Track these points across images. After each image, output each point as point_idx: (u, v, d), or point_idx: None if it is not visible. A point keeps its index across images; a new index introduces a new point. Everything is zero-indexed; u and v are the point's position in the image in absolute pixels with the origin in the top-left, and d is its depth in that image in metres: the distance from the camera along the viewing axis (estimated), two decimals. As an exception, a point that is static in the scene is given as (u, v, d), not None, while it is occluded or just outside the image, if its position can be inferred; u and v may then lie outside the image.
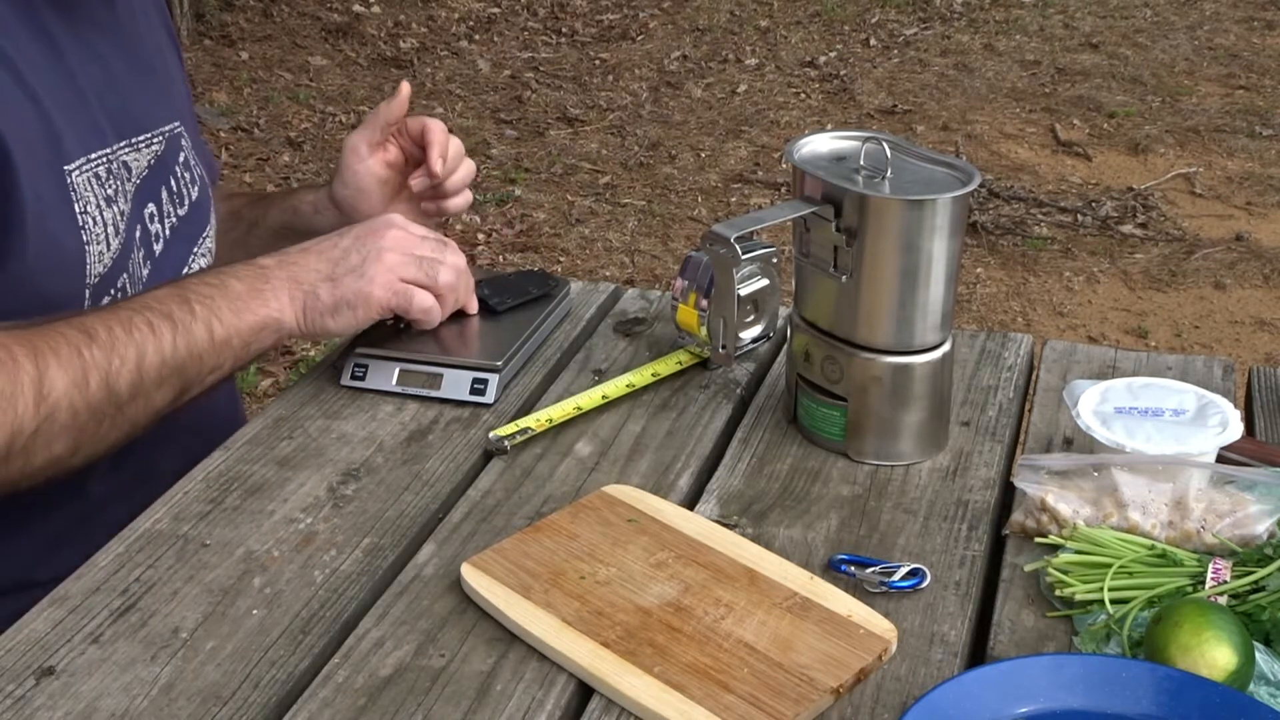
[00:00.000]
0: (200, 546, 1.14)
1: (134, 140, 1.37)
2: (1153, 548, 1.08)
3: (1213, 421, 1.19)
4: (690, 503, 1.22)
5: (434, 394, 1.36)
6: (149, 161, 1.39)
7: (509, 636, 1.04)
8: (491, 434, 1.29)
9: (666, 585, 1.07)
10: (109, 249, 1.29)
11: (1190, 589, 1.03)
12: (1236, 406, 1.23)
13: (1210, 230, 4.13)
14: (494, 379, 1.36)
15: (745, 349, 1.42)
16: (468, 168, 1.56)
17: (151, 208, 1.39)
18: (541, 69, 5.44)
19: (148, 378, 1.19)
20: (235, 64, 5.35)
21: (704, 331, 1.38)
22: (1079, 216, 4.20)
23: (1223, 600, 1.02)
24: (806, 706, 0.95)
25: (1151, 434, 1.18)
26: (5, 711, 0.96)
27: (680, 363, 1.42)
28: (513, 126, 4.83)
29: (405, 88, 1.54)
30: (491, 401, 1.36)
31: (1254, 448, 1.24)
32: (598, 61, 5.55)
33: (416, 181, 1.49)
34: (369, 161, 1.51)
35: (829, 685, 0.97)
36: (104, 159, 1.31)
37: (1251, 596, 1.02)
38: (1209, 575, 1.04)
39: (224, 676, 1.00)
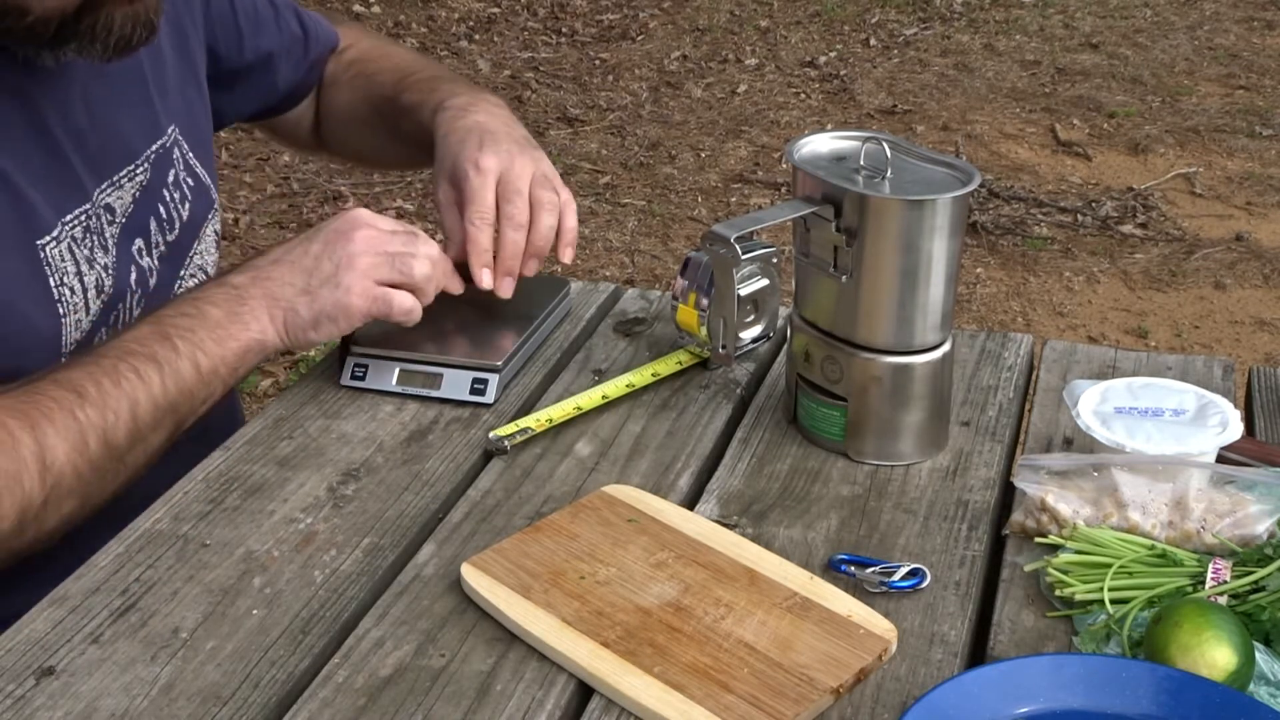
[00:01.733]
0: (200, 546, 1.14)
1: (116, 178, 1.32)
2: (1153, 548, 1.08)
3: (1213, 421, 1.19)
4: (690, 503, 1.22)
5: (434, 394, 1.36)
6: (134, 195, 1.34)
7: (509, 636, 1.04)
8: (491, 434, 1.29)
9: (666, 585, 1.07)
10: (88, 314, 1.27)
11: (1190, 589, 1.03)
12: (1236, 406, 1.23)
13: (1210, 230, 4.13)
14: (494, 379, 1.36)
15: (745, 349, 1.42)
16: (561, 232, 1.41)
17: (139, 242, 1.35)
18: (541, 69, 5.44)
19: (143, 424, 1.17)
20: (235, 64, 5.34)
21: (704, 331, 1.38)
22: (1079, 216, 4.20)
23: (1223, 600, 1.02)
24: (806, 706, 0.95)
25: (1151, 434, 1.18)
26: (5, 711, 0.96)
27: (680, 363, 1.42)
28: (513, 126, 4.82)
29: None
30: (491, 401, 1.36)
31: (1254, 448, 1.24)
32: (598, 61, 5.55)
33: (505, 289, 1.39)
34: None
35: (829, 685, 0.97)
36: (83, 215, 1.27)
37: (1251, 596, 1.02)
38: (1209, 575, 1.04)
39: (224, 676, 1.00)
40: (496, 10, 6.03)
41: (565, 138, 4.74)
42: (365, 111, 1.62)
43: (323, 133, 1.71)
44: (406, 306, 1.29)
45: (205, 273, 1.46)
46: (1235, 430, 1.18)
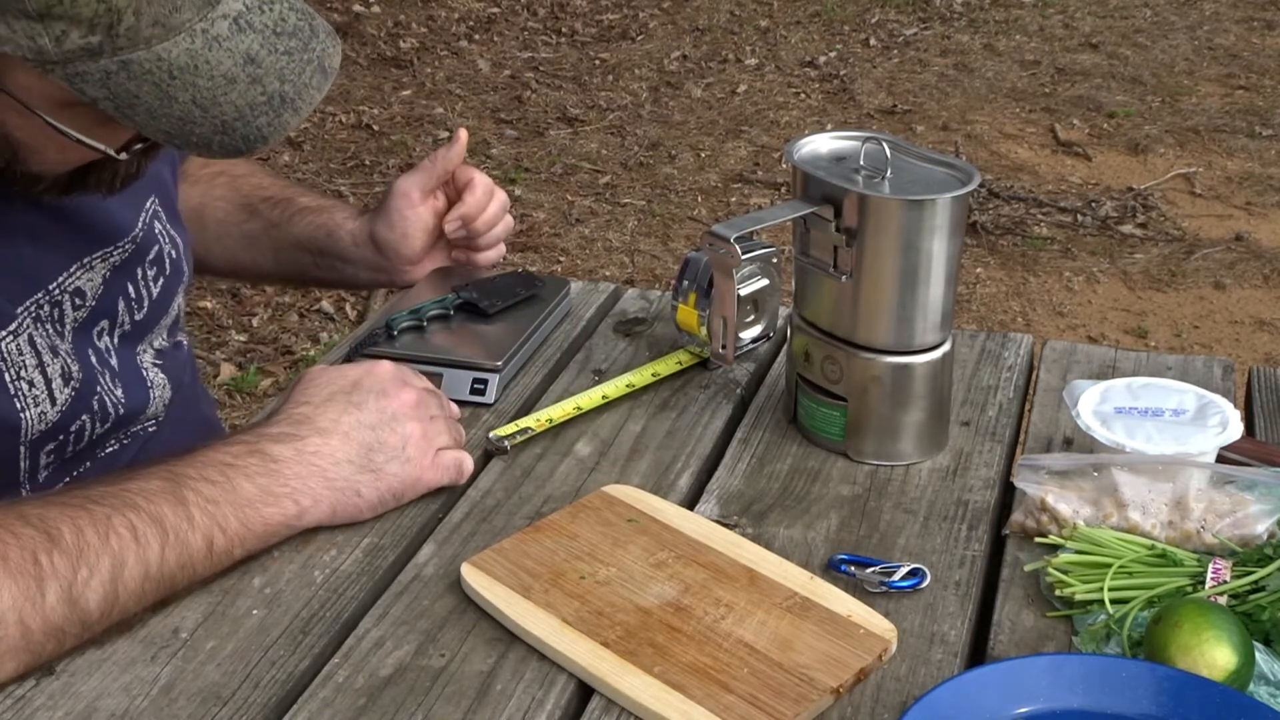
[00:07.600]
0: (200, 546, 1.14)
1: (87, 259, 1.22)
2: (1153, 548, 1.08)
3: (1213, 421, 1.19)
4: (690, 503, 1.22)
5: (434, 394, 1.36)
6: (104, 275, 1.24)
7: (509, 636, 1.04)
8: (491, 434, 1.29)
9: (666, 585, 1.07)
10: (54, 405, 1.18)
11: (1190, 589, 1.03)
12: (1236, 406, 1.23)
13: (1210, 230, 4.13)
14: (494, 379, 1.36)
15: (745, 349, 1.42)
16: (505, 224, 1.55)
17: (103, 323, 1.26)
18: (541, 69, 5.44)
19: (125, 592, 1.00)
20: (235, 64, 5.33)
21: (704, 331, 1.38)
22: (1079, 216, 4.20)
23: (1223, 600, 1.02)
24: (806, 706, 0.95)
25: (1151, 434, 1.18)
26: (5, 711, 0.96)
27: (680, 363, 1.42)
28: (513, 126, 4.83)
29: (463, 135, 1.50)
30: (491, 401, 1.36)
31: (1254, 448, 1.24)
32: (598, 61, 5.55)
33: (451, 225, 1.50)
34: (420, 209, 1.50)
35: (829, 685, 0.97)
36: (34, 305, 1.17)
37: (1251, 596, 1.02)
38: (1209, 575, 1.04)
39: (224, 676, 1.00)
40: (496, 10, 6.03)
41: (565, 138, 4.74)
42: (232, 211, 1.55)
43: None
44: (470, 468, 1.21)
45: (152, 347, 1.35)
46: (1235, 430, 1.18)
